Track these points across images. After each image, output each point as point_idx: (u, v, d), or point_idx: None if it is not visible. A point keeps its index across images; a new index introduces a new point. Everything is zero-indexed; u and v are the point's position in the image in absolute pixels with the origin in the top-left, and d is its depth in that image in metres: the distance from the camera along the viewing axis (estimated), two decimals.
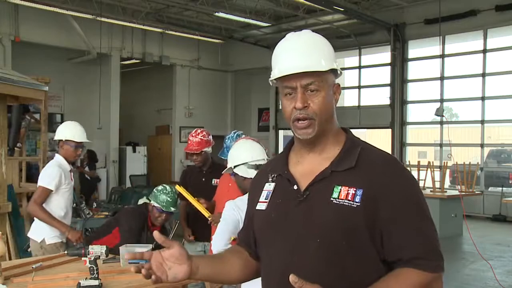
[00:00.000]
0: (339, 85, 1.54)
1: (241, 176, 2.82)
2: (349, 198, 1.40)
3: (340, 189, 1.42)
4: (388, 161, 1.49)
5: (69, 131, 4.17)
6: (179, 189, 4.08)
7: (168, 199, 3.87)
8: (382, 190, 1.41)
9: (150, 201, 3.93)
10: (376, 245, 1.41)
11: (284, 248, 1.46)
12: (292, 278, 1.26)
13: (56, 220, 3.96)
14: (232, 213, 2.74)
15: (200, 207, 3.93)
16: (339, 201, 1.41)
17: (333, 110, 1.51)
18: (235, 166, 2.85)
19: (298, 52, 1.48)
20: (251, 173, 2.74)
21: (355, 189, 1.41)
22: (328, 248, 1.40)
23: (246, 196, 2.62)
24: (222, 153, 4.04)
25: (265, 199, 1.56)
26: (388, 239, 1.41)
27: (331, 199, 1.42)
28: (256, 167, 2.78)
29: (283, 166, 1.57)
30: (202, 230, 4.20)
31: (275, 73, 1.50)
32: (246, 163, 2.81)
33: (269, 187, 1.58)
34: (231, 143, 3.64)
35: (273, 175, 1.58)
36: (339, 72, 1.52)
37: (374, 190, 1.41)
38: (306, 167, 1.52)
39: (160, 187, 3.98)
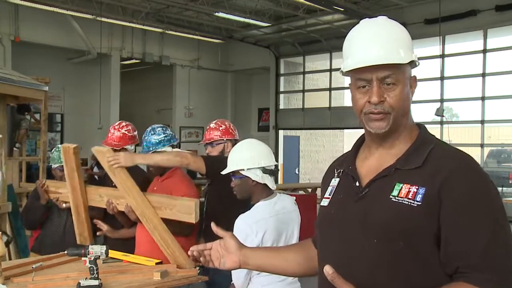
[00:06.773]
0: (416, 77, 1.43)
1: (254, 181, 2.58)
2: (410, 197, 1.28)
3: (401, 186, 1.31)
4: (459, 158, 1.33)
5: None
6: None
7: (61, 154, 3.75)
8: (447, 188, 1.26)
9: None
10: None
11: (340, 246, 1.38)
12: (327, 268, 1.22)
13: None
14: (245, 229, 2.44)
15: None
16: (398, 199, 1.30)
17: (410, 104, 1.40)
18: (248, 169, 2.59)
19: (375, 41, 1.35)
20: (266, 179, 2.57)
21: (417, 187, 1.29)
22: (385, 249, 1.29)
23: (258, 208, 2.54)
24: None
25: (329, 195, 1.49)
26: (445, 245, 1.26)
27: (390, 197, 1.31)
28: (270, 172, 2.61)
29: (350, 162, 1.49)
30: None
31: (349, 64, 1.37)
32: (263, 167, 2.59)
33: (334, 182, 1.50)
34: None
35: (339, 171, 1.51)
36: (417, 63, 1.41)
37: (438, 188, 1.27)
38: (373, 163, 1.43)
39: (52, 150, 3.93)
